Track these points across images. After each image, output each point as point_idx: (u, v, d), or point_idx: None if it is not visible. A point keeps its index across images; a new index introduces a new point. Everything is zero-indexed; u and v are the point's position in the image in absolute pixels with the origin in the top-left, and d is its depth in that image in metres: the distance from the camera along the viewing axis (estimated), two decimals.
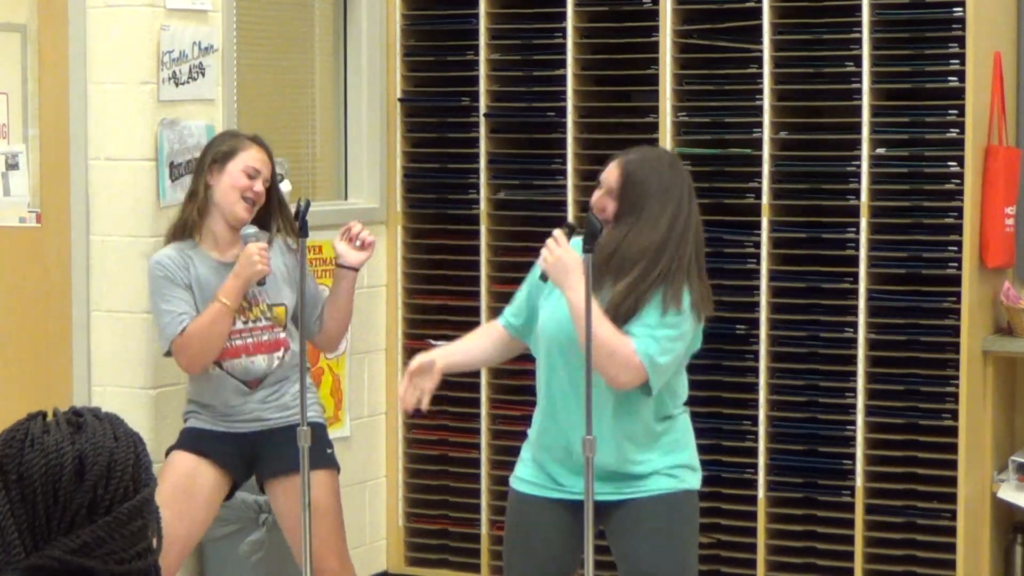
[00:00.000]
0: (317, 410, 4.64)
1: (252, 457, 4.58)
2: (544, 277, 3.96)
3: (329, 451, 4.59)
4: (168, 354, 4.54)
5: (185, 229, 4.56)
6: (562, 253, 3.90)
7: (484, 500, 5.83)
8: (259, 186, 4.54)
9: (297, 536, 4.48)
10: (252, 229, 4.50)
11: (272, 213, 4.62)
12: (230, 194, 4.52)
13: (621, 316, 3.89)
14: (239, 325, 4.50)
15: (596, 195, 4.03)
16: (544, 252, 3.93)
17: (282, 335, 4.57)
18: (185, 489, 4.49)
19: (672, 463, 4.03)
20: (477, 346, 4.27)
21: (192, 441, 4.56)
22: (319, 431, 4.53)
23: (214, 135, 4.85)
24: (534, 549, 4.07)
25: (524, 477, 4.11)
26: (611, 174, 4.00)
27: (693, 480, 4.08)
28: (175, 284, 4.49)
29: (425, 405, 4.12)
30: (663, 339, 3.87)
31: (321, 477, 4.51)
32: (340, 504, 4.62)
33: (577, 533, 3.96)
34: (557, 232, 3.94)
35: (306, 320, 4.53)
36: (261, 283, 4.49)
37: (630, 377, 3.87)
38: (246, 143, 4.58)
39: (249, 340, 4.53)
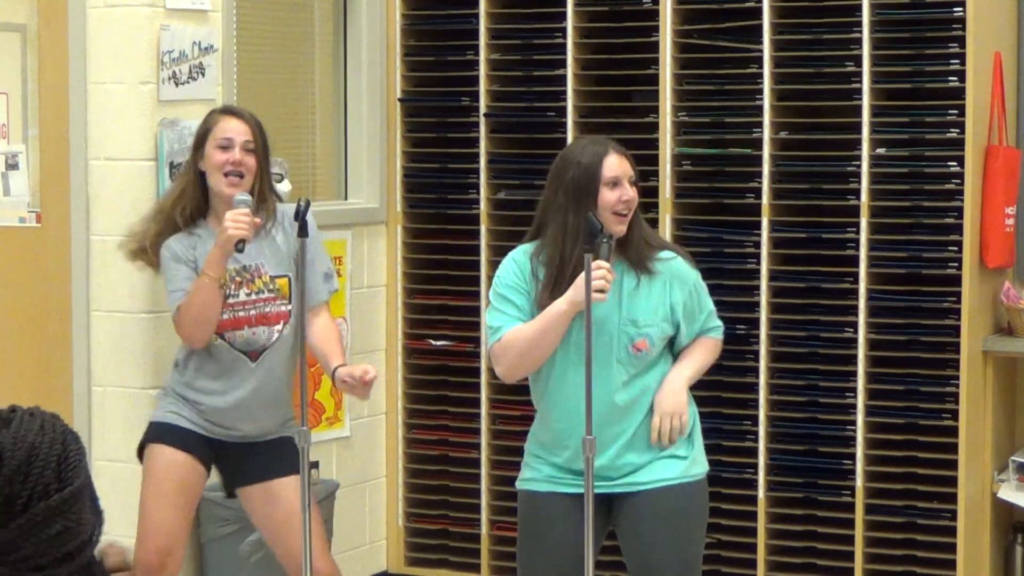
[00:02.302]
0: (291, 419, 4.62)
1: (220, 460, 4.58)
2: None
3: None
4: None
5: (176, 226, 4.49)
6: (678, 400, 4.07)
7: (484, 500, 5.83)
8: (235, 155, 4.45)
9: (280, 541, 4.52)
10: (242, 196, 4.41)
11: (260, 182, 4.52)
12: (214, 175, 4.47)
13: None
14: (243, 297, 4.48)
15: (628, 192, 4.01)
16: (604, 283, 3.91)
17: (284, 307, 4.52)
18: (179, 482, 4.49)
19: (682, 445, 4.09)
20: None
21: (172, 436, 4.52)
22: (292, 440, 4.51)
23: None
24: (550, 545, 4.08)
25: (537, 477, 4.12)
26: (625, 164, 4.05)
27: (702, 465, 4.14)
28: (179, 262, 4.47)
29: None
30: (709, 299, 4.18)
31: (296, 481, 4.48)
32: (317, 506, 4.64)
33: (594, 526, 3.95)
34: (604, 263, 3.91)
35: (306, 301, 4.51)
36: (239, 249, 4.38)
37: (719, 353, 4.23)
38: (216, 117, 4.51)
39: (252, 312, 4.50)
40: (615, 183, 3.97)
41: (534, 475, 4.13)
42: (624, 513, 4.06)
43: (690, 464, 4.07)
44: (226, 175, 4.45)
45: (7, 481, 1.74)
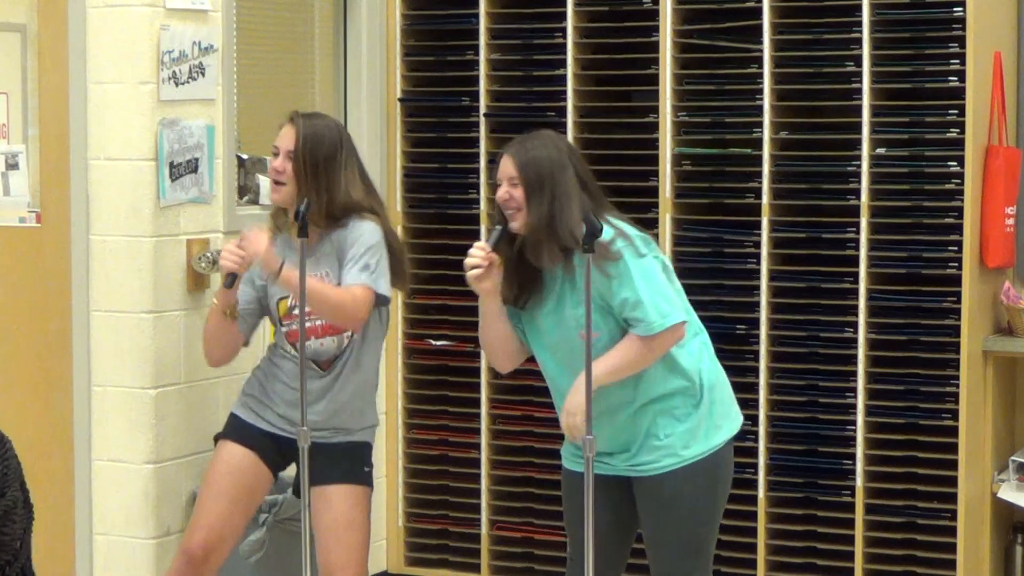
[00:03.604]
0: (367, 428, 4.64)
1: (288, 458, 4.59)
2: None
3: (367, 469, 4.60)
4: None
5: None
6: (572, 417, 4.00)
7: (484, 500, 5.83)
8: (276, 162, 4.49)
9: (321, 545, 4.52)
10: (254, 224, 4.52)
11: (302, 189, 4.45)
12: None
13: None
14: (309, 308, 4.29)
15: (500, 192, 4.08)
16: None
17: None
18: (238, 479, 4.54)
19: (695, 425, 4.13)
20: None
21: (239, 432, 4.59)
22: (360, 450, 4.57)
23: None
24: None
25: (564, 453, 4.24)
26: (507, 165, 4.08)
27: (703, 444, 4.14)
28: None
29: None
30: (653, 291, 3.98)
31: (350, 491, 4.52)
32: (364, 520, 4.58)
33: (625, 503, 4.14)
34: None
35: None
36: (227, 284, 4.44)
37: (672, 343, 4.04)
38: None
39: (318, 322, 4.45)
40: (499, 183, 4.10)
41: (564, 450, 4.25)
42: (636, 491, 4.15)
43: (684, 447, 4.10)
44: (273, 183, 4.52)
45: None
